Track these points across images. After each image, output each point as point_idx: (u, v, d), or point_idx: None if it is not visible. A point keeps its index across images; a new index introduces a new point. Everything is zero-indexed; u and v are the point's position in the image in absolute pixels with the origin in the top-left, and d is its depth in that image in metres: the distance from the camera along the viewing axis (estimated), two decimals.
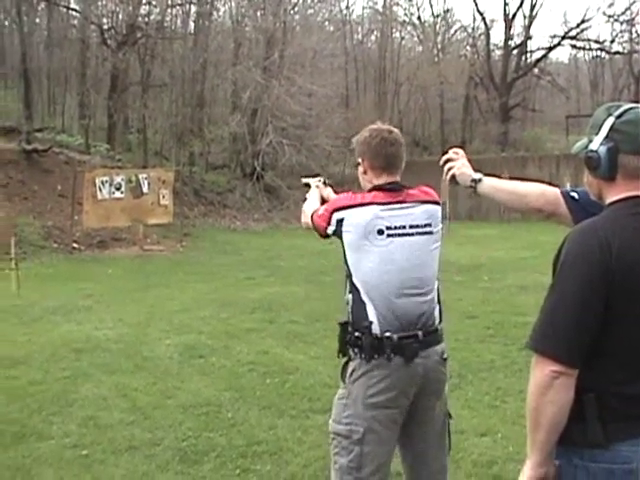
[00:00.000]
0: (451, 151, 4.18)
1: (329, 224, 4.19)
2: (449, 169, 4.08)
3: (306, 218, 4.56)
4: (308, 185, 5.16)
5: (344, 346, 4.18)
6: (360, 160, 4.34)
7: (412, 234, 4.14)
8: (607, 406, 2.80)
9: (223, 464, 6.36)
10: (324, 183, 5.08)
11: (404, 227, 4.12)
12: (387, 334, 4.01)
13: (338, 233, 4.16)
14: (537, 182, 3.88)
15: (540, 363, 2.81)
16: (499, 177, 4.05)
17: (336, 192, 4.95)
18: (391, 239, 4.08)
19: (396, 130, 4.39)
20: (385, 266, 4.06)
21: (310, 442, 6.76)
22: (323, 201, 4.74)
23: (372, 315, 4.04)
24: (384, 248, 4.07)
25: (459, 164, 4.06)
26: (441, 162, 4.13)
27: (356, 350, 4.09)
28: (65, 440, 6.91)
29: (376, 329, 4.02)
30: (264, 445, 6.76)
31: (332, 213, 4.18)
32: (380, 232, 4.06)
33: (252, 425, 7.28)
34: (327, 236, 4.28)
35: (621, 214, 2.87)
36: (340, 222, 4.12)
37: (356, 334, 4.08)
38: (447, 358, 4.28)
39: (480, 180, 3.94)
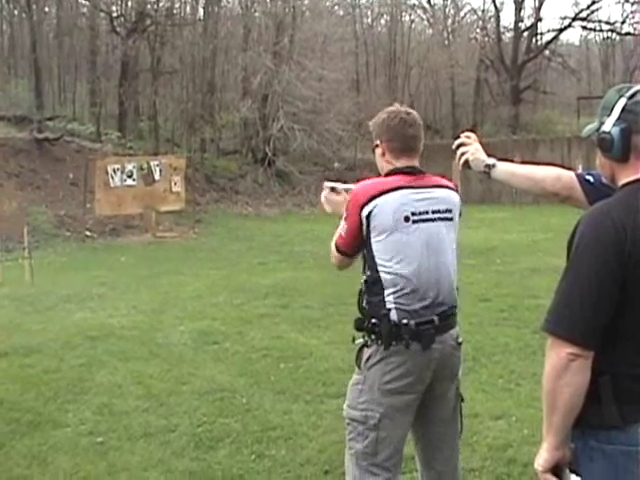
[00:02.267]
0: (463, 135, 4.15)
1: (361, 225, 4.08)
2: (462, 154, 4.06)
3: (333, 255, 4.38)
4: (334, 189, 5.04)
5: (360, 331, 4.17)
6: (378, 142, 4.30)
7: (434, 219, 4.13)
8: (623, 387, 2.80)
9: (238, 450, 6.37)
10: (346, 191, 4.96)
11: (427, 212, 4.10)
12: (404, 321, 4.00)
13: (367, 226, 4.07)
14: (550, 165, 3.87)
15: (556, 346, 2.80)
16: (511, 161, 4.03)
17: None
18: (416, 225, 4.06)
19: (414, 111, 4.37)
20: (409, 253, 4.04)
21: (325, 427, 6.77)
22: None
23: (390, 302, 4.02)
24: (409, 235, 4.04)
25: (472, 149, 4.04)
26: (454, 146, 4.11)
27: (373, 337, 4.08)
28: (80, 427, 6.93)
29: (394, 316, 4.01)
30: (279, 430, 6.77)
31: (360, 213, 4.06)
32: (406, 219, 4.04)
33: (267, 410, 7.29)
34: (361, 242, 4.13)
35: (635, 196, 2.86)
36: (370, 214, 4.03)
37: (373, 320, 4.06)
38: (462, 342, 4.28)
39: (494, 165, 3.92)
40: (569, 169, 3.79)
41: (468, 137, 4.12)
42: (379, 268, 4.06)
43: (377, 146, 4.33)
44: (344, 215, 4.18)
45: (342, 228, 4.19)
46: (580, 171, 3.49)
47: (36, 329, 10.80)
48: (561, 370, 2.79)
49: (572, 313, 2.79)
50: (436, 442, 4.33)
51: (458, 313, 4.27)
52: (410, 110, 4.35)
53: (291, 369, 8.62)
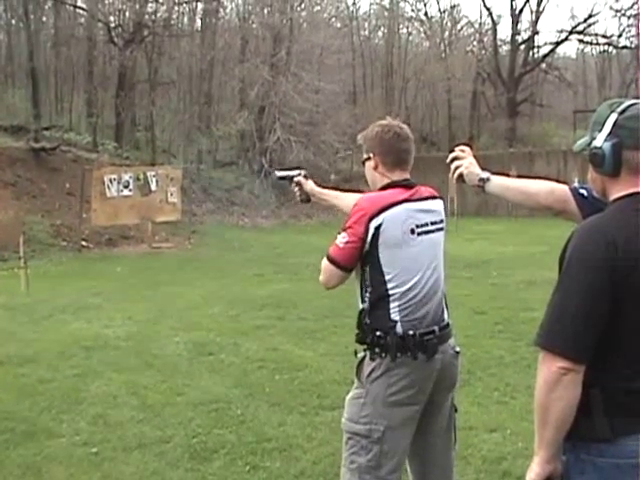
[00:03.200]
0: (458, 149, 4.16)
1: (366, 235, 4.02)
2: (456, 167, 4.07)
3: (323, 271, 4.21)
4: (284, 179, 5.07)
5: (362, 344, 4.16)
6: (371, 155, 4.32)
7: (433, 231, 4.20)
8: (613, 401, 2.81)
9: (233, 461, 6.36)
10: (305, 177, 4.98)
11: (427, 224, 4.16)
12: (410, 332, 4.01)
13: (373, 241, 4.04)
14: (545, 179, 3.89)
15: (548, 360, 2.82)
16: (507, 175, 4.05)
17: (322, 186, 4.93)
18: (420, 237, 4.11)
19: (405, 126, 4.40)
20: (414, 265, 4.08)
21: (320, 439, 6.76)
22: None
23: (396, 314, 4.03)
24: (416, 248, 4.09)
25: (466, 162, 4.04)
26: (448, 160, 4.12)
27: (377, 350, 4.07)
28: (75, 438, 6.91)
29: (399, 328, 4.02)
30: (274, 442, 6.76)
31: (369, 223, 4.02)
32: (412, 232, 4.08)
33: (262, 422, 7.28)
34: (359, 256, 4.07)
35: (626, 210, 2.88)
36: (379, 227, 4.02)
37: (378, 333, 4.05)
38: (459, 351, 4.30)
39: (488, 179, 3.93)
40: (564, 182, 3.82)
41: (462, 151, 4.13)
42: (387, 279, 4.05)
43: (368, 159, 4.34)
44: (346, 226, 4.11)
45: (341, 240, 4.10)
46: (575, 185, 3.50)
47: (31, 339, 10.78)
48: (553, 384, 2.80)
49: (563, 327, 2.81)
50: (431, 453, 4.33)
51: (453, 325, 4.30)
52: (402, 124, 4.38)
53: (286, 381, 8.61)
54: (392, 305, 4.05)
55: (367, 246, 4.04)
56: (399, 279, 4.05)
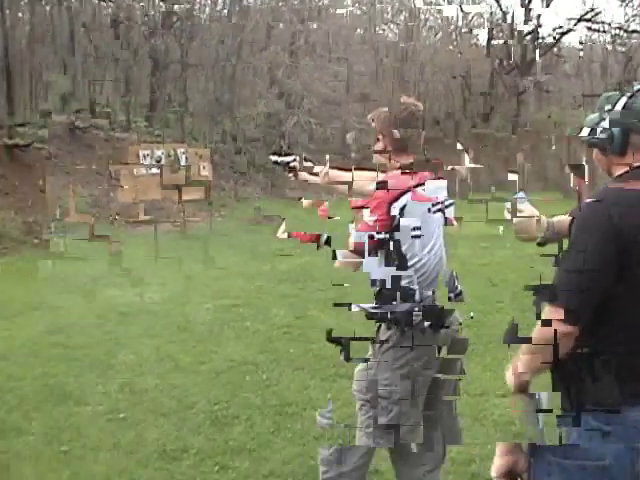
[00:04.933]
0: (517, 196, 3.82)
1: (388, 217, 4.06)
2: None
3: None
4: (278, 164, 5.01)
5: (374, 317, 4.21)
6: (380, 137, 4.33)
7: (441, 209, 4.27)
8: (620, 366, 2.85)
9: (202, 460, 6.07)
10: (306, 160, 4.94)
11: (438, 203, 4.23)
12: (423, 304, 4.07)
13: (397, 220, 4.07)
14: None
15: (550, 313, 2.91)
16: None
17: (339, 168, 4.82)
18: (434, 215, 4.20)
19: (420, 104, 4.38)
20: (431, 242, 4.18)
21: (343, 399, 6.76)
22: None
23: (414, 284, 4.11)
24: (431, 224, 4.18)
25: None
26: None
27: (391, 320, 4.13)
28: (44, 436, 6.58)
29: (417, 296, 4.08)
30: (294, 406, 6.83)
31: (390, 207, 4.07)
32: (429, 210, 4.15)
33: (285, 386, 7.33)
34: (388, 232, 4.03)
35: (627, 185, 2.92)
36: (402, 210, 4.06)
37: (393, 303, 4.08)
38: (462, 322, 4.32)
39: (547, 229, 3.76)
40: (573, 166, 3.75)
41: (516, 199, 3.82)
42: (407, 256, 4.10)
43: (378, 140, 4.37)
44: (370, 207, 4.09)
45: (369, 216, 4.07)
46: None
47: (2, 336, 10.06)
48: (549, 331, 2.88)
49: (568, 286, 2.90)
50: (438, 418, 4.37)
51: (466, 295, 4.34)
52: (417, 102, 4.37)
53: (312, 347, 8.65)
54: (413, 280, 4.11)
55: (395, 222, 4.06)
56: (416, 256, 4.14)
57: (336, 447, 4.21)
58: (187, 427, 6.49)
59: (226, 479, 5.71)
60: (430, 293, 4.16)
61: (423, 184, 4.18)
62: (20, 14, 34.69)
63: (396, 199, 4.08)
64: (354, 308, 4.08)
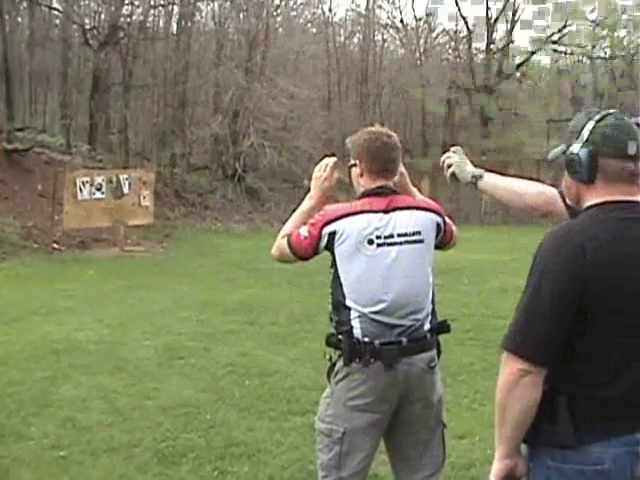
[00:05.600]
0: (452, 149, 4.22)
1: (319, 240, 4.15)
2: (449, 165, 4.11)
3: (278, 247, 4.46)
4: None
5: (328, 347, 4.23)
6: (357, 162, 4.32)
7: (401, 243, 4.14)
8: (579, 408, 2.85)
9: (201, 465, 6.36)
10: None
11: (392, 236, 4.13)
12: (366, 339, 4.04)
13: (330, 246, 4.15)
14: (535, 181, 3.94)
15: (509, 361, 2.88)
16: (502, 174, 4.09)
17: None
18: (380, 249, 4.10)
19: (394, 134, 4.39)
20: (372, 275, 4.09)
21: (288, 444, 6.76)
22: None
23: (354, 320, 4.07)
24: (374, 259, 4.09)
25: (459, 161, 4.09)
26: (441, 161, 4.15)
27: (338, 352, 4.14)
28: (43, 441, 6.87)
29: (357, 333, 4.05)
30: (242, 447, 6.76)
31: (322, 228, 4.14)
32: (370, 242, 4.09)
33: (231, 427, 7.28)
34: (314, 254, 4.24)
35: (598, 219, 2.91)
36: (332, 234, 4.11)
37: (339, 337, 4.12)
38: (435, 366, 4.30)
39: (481, 176, 3.98)
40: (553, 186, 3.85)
41: (454, 151, 4.17)
42: (344, 290, 4.11)
43: (354, 165, 4.34)
44: (310, 221, 4.23)
45: (303, 232, 4.23)
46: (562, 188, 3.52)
47: (1, 341, 10.70)
48: (512, 385, 2.85)
49: (525, 330, 2.87)
50: (409, 464, 4.35)
51: (436, 339, 4.32)
52: (391, 133, 4.37)
53: (256, 386, 8.61)
54: (352, 313, 4.09)
55: (321, 250, 4.17)
56: (355, 289, 4.10)
57: (335, 452, 4.11)
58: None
59: None
60: (380, 329, 4.11)
61: (393, 210, 4.18)
62: None
63: (330, 221, 4.13)
64: None
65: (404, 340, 4.10)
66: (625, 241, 2.88)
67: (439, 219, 4.33)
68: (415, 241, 4.19)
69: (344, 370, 4.11)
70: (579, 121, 3.03)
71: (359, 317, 4.08)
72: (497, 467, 2.97)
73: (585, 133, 2.96)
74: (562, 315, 2.83)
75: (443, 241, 4.42)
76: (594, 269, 2.81)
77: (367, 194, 4.24)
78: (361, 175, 4.31)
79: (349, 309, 4.10)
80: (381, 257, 4.10)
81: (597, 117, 2.98)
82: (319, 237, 4.15)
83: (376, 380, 4.07)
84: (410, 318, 4.14)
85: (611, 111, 3.02)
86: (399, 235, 4.15)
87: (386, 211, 4.17)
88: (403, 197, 4.29)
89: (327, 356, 4.25)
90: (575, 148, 2.96)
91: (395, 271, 4.12)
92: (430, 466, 4.35)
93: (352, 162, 4.37)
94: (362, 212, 4.14)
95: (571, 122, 3.09)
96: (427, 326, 4.24)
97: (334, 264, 4.18)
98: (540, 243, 2.96)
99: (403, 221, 4.18)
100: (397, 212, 4.19)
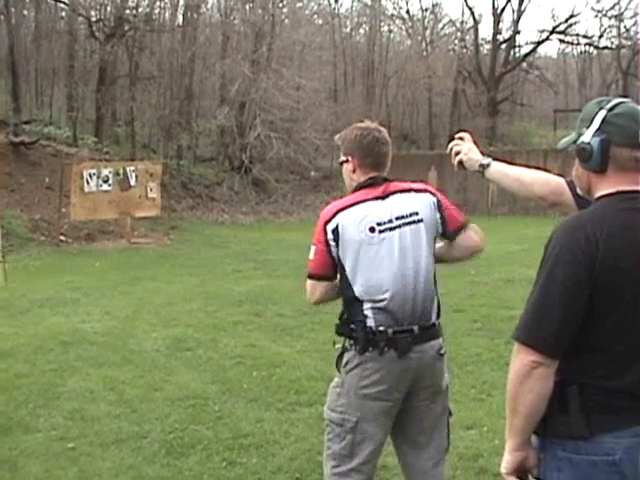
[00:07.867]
0: (457, 136, 4.19)
1: (328, 243, 4.16)
2: (457, 153, 4.09)
3: (307, 289, 4.37)
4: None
5: (340, 336, 4.24)
6: (349, 158, 4.33)
7: (399, 226, 4.15)
8: (590, 398, 2.83)
9: (209, 457, 6.36)
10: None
11: (391, 220, 4.13)
12: (381, 328, 4.05)
13: (336, 243, 4.15)
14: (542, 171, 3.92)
15: (521, 352, 2.85)
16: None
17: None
18: (383, 235, 4.11)
19: (383, 129, 4.40)
20: (379, 263, 4.10)
21: (296, 435, 6.76)
22: None
23: (367, 310, 4.09)
24: (378, 246, 4.10)
25: (466, 149, 4.07)
26: (448, 148, 4.13)
27: (351, 342, 4.15)
28: (52, 433, 6.89)
29: (370, 323, 4.07)
30: (250, 438, 6.76)
31: (325, 230, 4.16)
32: (372, 230, 4.11)
33: (239, 418, 7.28)
34: (333, 263, 4.20)
35: (610, 209, 2.89)
36: (336, 230, 4.13)
37: (351, 326, 4.14)
38: (444, 353, 4.31)
39: (488, 165, 3.96)
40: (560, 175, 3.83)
41: (461, 138, 4.14)
42: (352, 284, 4.12)
43: (346, 161, 4.35)
44: (313, 241, 4.25)
45: (311, 250, 4.25)
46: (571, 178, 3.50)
47: (8, 333, 10.71)
48: (524, 376, 2.83)
49: (538, 321, 2.84)
50: (416, 451, 4.37)
51: (441, 324, 4.31)
52: (380, 128, 4.40)
53: (264, 377, 8.60)
54: (365, 305, 4.11)
55: (334, 249, 4.16)
56: (364, 279, 4.11)
57: (348, 441, 4.13)
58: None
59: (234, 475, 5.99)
60: (393, 318, 4.11)
61: (386, 197, 4.19)
62: None
63: (330, 219, 4.17)
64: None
65: (415, 328, 4.11)
66: (637, 232, 2.86)
67: (433, 198, 4.31)
68: (413, 222, 4.20)
69: (356, 359, 4.12)
70: (590, 110, 2.99)
71: (371, 308, 4.09)
72: (508, 459, 2.95)
73: (597, 122, 2.92)
74: (575, 306, 2.81)
75: (445, 226, 4.31)
76: (607, 260, 2.79)
77: (360, 187, 4.27)
78: (354, 171, 4.34)
79: (361, 302, 4.11)
80: (386, 243, 4.12)
81: (609, 106, 2.94)
82: (327, 241, 4.16)
83: (389, 368, 4.08)
84: (420, 305, 4.15)
85: (623, 100, 2.99)
86: (397, 218, 4.16)
87: (383, 197, 4.20)
88: (396, 183, 4.30)
89: (337, 345, 4.26)
90: (587, 137, 2.93)
91: (401, 256, 4.13)
92: (437, 452, 4.38)
93: (343, 158, 4.39)
94: (359, 202, 4.17)
95: (582, 111, 3.06)
96: (434, 312, 4.25)
97: (340, 263, 4.18)
98: (552, 234, 2.93)
99: (401, 204, 4.21)
100: (394, 196, 4.22)
